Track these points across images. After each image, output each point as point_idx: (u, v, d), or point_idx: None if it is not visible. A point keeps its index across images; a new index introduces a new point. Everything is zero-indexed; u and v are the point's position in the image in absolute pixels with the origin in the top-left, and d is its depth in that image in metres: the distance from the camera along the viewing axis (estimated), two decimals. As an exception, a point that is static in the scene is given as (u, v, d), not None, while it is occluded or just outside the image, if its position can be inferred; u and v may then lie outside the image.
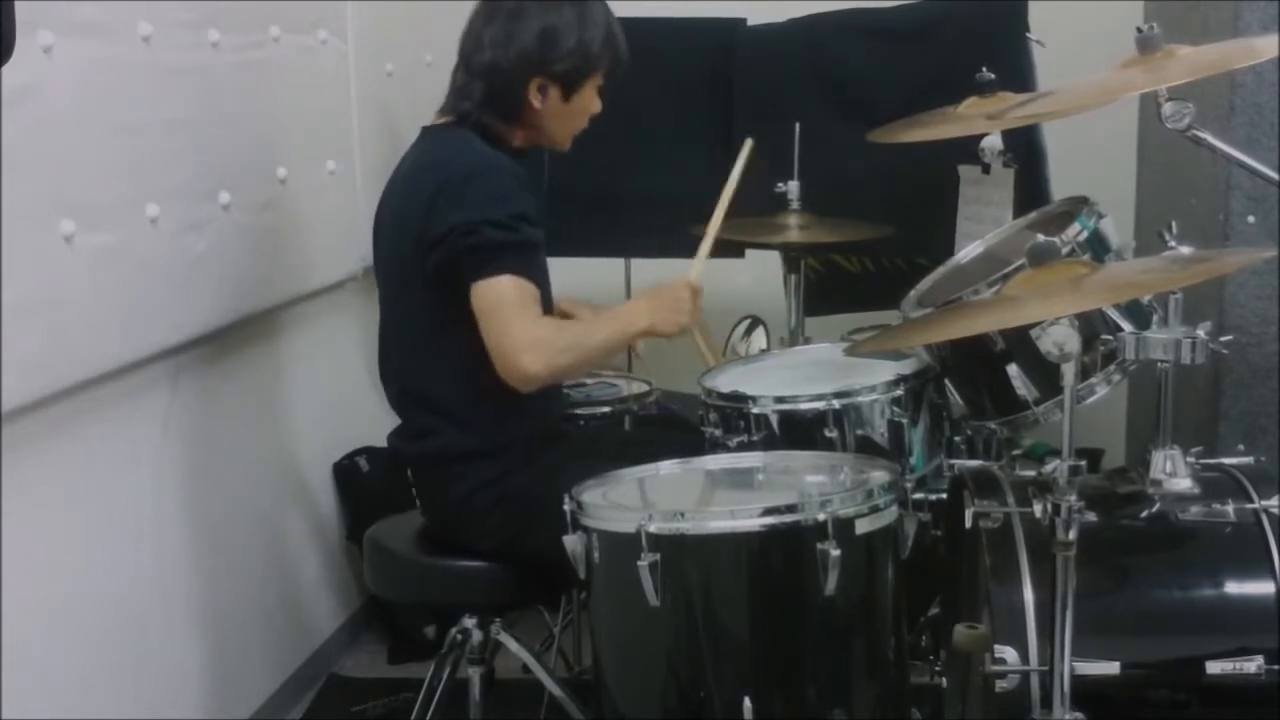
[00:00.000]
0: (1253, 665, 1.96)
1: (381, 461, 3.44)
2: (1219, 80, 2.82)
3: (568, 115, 2.45)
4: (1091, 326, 2.10)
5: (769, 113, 3.31)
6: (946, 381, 2.50)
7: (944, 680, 2.44)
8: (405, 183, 2.44)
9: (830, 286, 3.51)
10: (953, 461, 2.47)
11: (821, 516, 1.98)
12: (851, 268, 3.53)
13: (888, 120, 2.83)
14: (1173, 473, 2.10)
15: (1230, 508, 2.06)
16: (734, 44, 3.47)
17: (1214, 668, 1.96)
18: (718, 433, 2.49)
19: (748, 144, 2.73)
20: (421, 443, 2.43)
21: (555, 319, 2.40)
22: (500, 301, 2.27)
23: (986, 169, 3.01)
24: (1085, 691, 1.92)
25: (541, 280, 2.36)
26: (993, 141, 2.92)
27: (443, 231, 2.29)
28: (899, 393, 2.45)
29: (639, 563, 1.97)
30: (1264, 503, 2.06)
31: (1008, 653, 1.97)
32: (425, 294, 2.35)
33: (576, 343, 2.36)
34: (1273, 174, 2.25)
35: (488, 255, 2.27)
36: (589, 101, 2.46)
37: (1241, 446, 2.91)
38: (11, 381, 2.09)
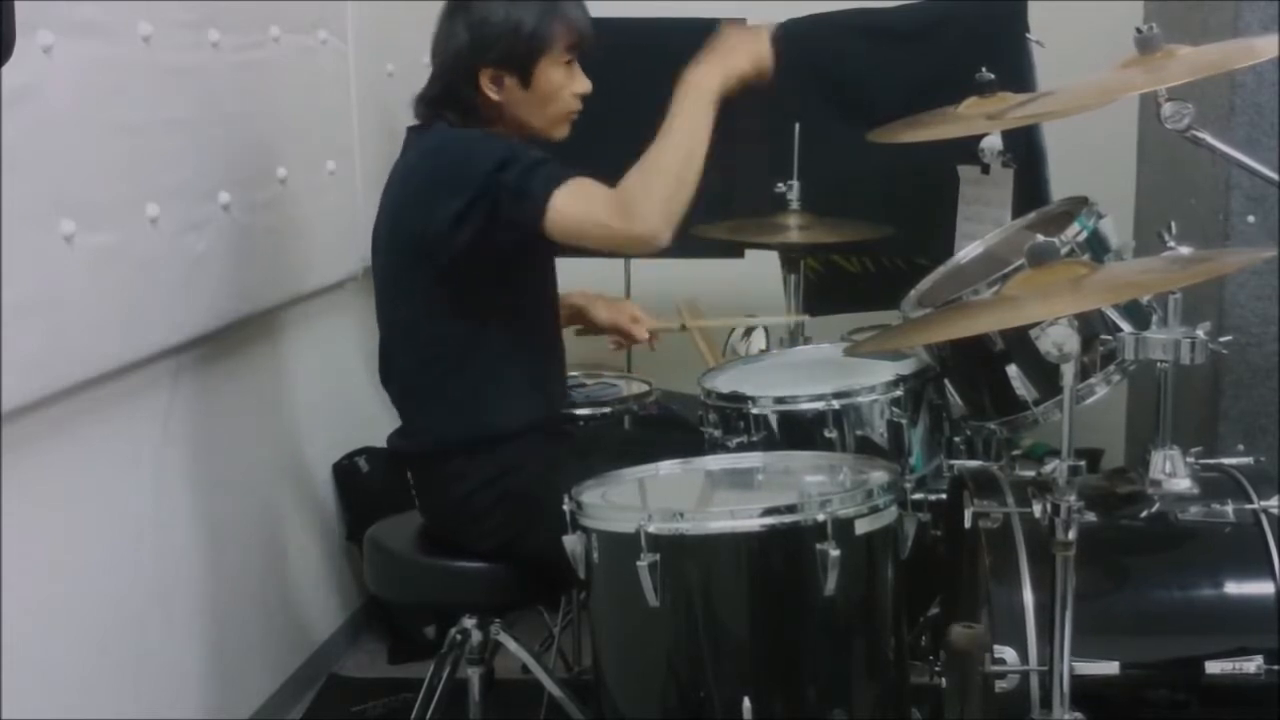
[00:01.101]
0: (1252, 665, 1.96)
1: (381, 461, 3.44)
2: (1219, 80, 2.82)
3: (536, 101, 2.39)
4: (1091, 327, 2.10)
5: (769, 113, 3.30)
6: (946, 381, 2.50)
7: (944, 680, 2.44)
8: (399, 184, 2.43)
9: (830, 286, 3.51)
10: (952, 461, 2.47)
11: (821, 517, 1.98)
12: (851, 268, 3.53)
13: (888, 120, 2.83)
14: (1172, 473, 2.10)
15: (1230, 508, 2.07)
16: (734, 44, 3.47)
17: (1214, 668, 1.97)
18: (717, 433, 2.49)
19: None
20: (420, 440, 2.43)
21: (608, 189, 2.23)
22: (576, 203, 2.19)
23: (986, 169, 3.01)
24: (1085, 691, 1.92)
25: (547, 270, 2.34)
26: (993, 141, 2.92)
27: (460, 208, 2.23)
28: (899, 393, 2.45)
29: (639, 563, 1.97)
30: (1263, 503, 2.06)
31: (1007, 653, 1.97)
32: (426, 294, 2.34)
33: (657, 165, 2.23)
34: (1273, 174, 2.25)
35: (525, 188, 2.20)
36: (560, 81, 2.39)
37: (1241, 446, 2.92)
38: (11, 381, 2.09)
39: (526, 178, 2.21)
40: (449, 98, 2.40)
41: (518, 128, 2.42)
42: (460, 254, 2.27)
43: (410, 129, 2.49)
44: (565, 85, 2.41)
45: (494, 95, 2.38)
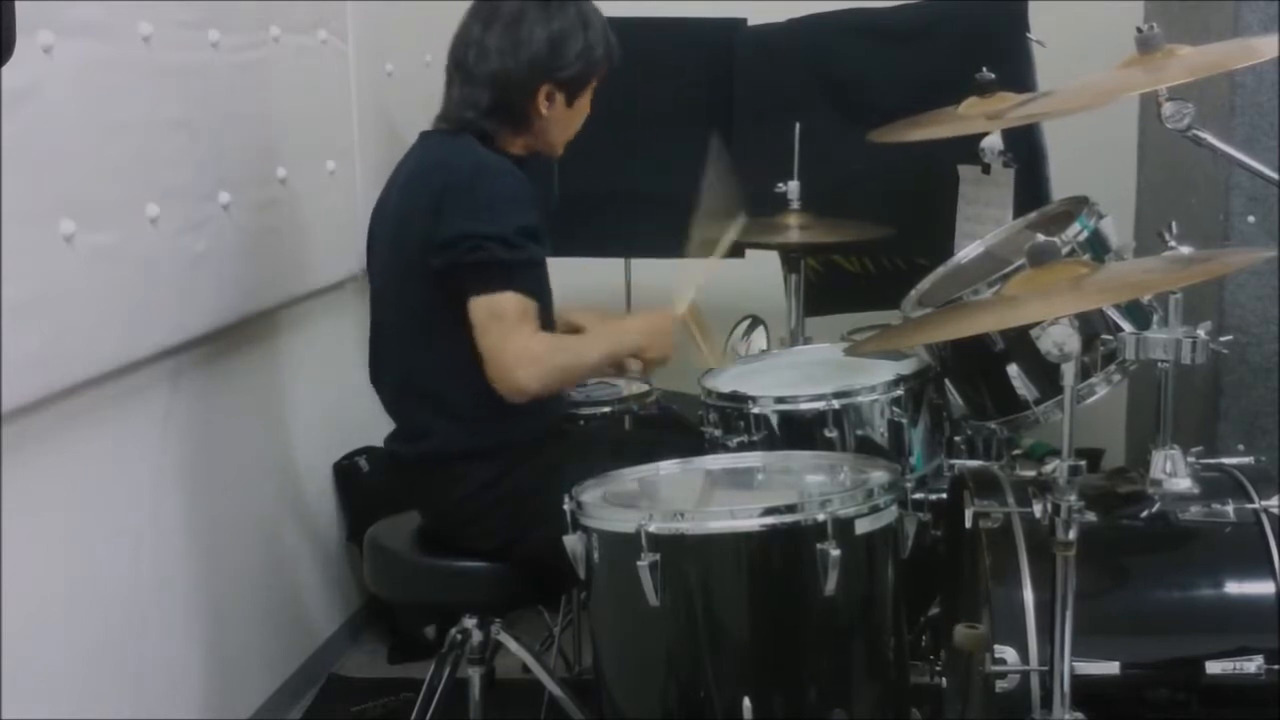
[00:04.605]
0: (1253, 665, 1.96)
1: (381, 461, 3.43)
2: (1219, 80, 2.82)
3: (569, 120, 2.46)
4: (1091, 326, 2.10)
5: (769, 113, 3.31)
6: (946, 381, 2.51)
7: (944, 680, 2.44)
8: (407, 185, 2.43)
9: (830, 286, 3.51)
10: (953, 461, 2.48)
11: (821, 516, 1.98)
12: (851, 268, 3.53)
13: (888, 120, 2.83)
14: (1173, 473, 2.11)
15: (1230, 508, 2.06)
16: (734, 44, 3.47)
17: (1214, 668, 1.97)
18: (718, 433, 2.50)
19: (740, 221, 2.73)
20: (421, 443, 2.43)
21: (551, 335, 2.38)
22: (500, 317, 2.27)
23: (986, 169, 3.01)
24: (1085, 691, 1.92)
25: (542, 295, 2.36)
26: (993, 141, 2.92)
27: (449, 238, 2.28)
28: (899, 393, 2.45)
29: (639, 563, 1.98)
30: (1264, 503, 2.06)
31: (1008, 653, 1.97)
32: (429, 294, 2.34)
33: (571, 360, 2.38)
34: (1273, 174, 2.25)
35: (491, 272, 2.27)
36: (586, 105, 2.47)
37: (1241, 446, 2.91)
38: (11, 381, 2.08)
39: (512, 264, 2.28)
40: (502, 104, 2.40)
41: (539, 141, 2.47)
42: (438, 270, 2.31)
43: (425, 134, 2.48)
44: (586, 108, 2.47)
45: (544, 110, 2.41)
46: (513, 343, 2.27)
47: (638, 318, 2.51)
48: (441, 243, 2.29)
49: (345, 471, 3.48)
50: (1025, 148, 3.07)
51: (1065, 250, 2.10)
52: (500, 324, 2.28)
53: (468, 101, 2.41)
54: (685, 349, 2.86)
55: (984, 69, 2.69)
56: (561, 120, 2.45)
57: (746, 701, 1.99)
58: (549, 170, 2.51)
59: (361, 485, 3.46)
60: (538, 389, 2.29)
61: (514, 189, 2.34)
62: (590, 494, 2.16)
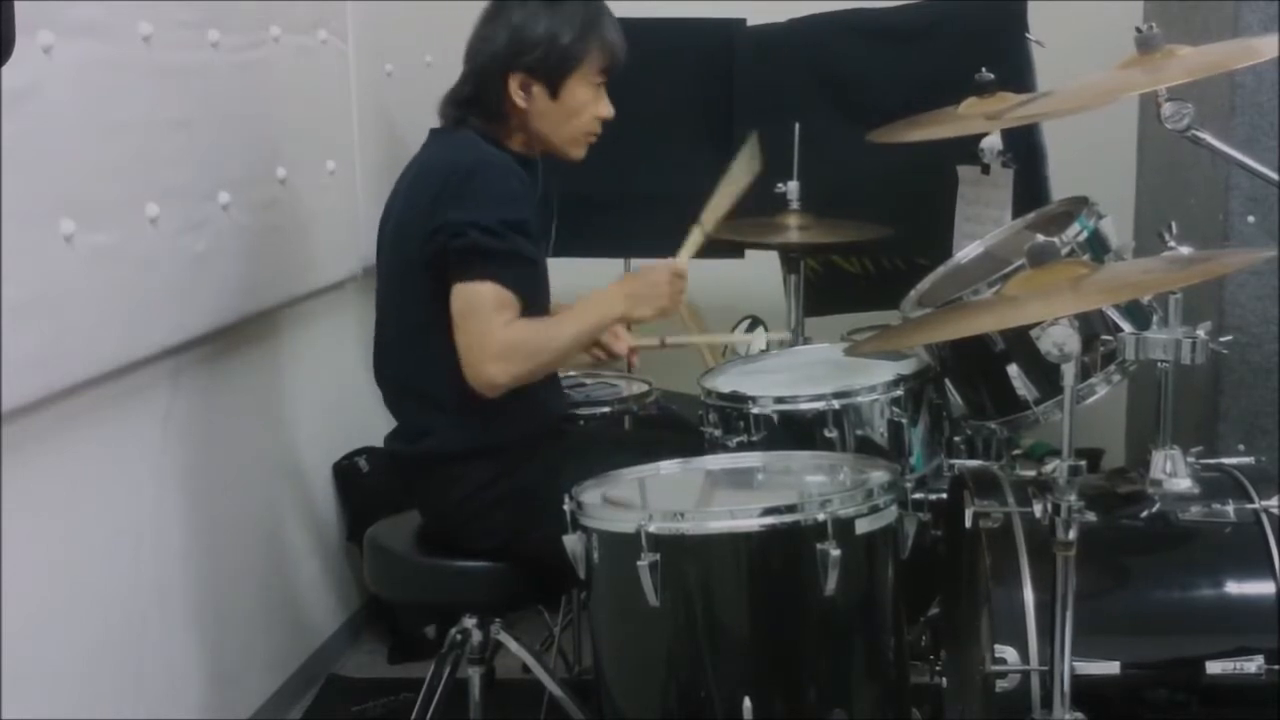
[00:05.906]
0: (1253, 665, 1.96)
1: (381, 461, 3.44)
2: (1219, 80, 2.82)
3: (561, 115, 2.42)
4: (1091, 326, 2.10)
5: (769, 113, 3.31)
6: (946, 381, 2.51)
7: (944, 680, 2.44)
8: (411, 184, 2.44)
9: (830, 286, 3.51)
10: (953, 461, 2.48)
11: (821, 516, 1.98)
12: (851, 268, 3.53)
13: (888, 120, 2.83)
14: (1173, 473, 2.11)
15: (1230, 508, 2.07)
16: (734, 44, 3.47)
17: (1214, 668, 1.97)
18: (718, 433, 2.50)
19: (752, 139, 2.67)
20: (421, 443, 2.43)
21: (524, 321, 2.32)
22: (476, 307, 2.27)
23: (986, 169, 3.01)
24: (1085, 691, 1.92)
25: (528, 291, 2.33)
26: (993, 141, 2.92)
27: (436, 225, 2.29)
28: (899, 393, 2.45)
29: (639, 563, 1.98)
30: (1264, 503, 2.06)
31: (1008, 652, 1.97)
32: (428, 292, 2.34)
33: (545, 344, 2.33)
34: (1273, 174, 2.25)
35: (472, 259, 2.27)
36: (585, 100, 2.42)
37: (1241, 446, 2.91)
38: (11, 381, 2.08)
39: (493, 253, 2.27)
40: (477, 100, 2.41)
41: (539, 141, 2.45)
42: (427, 261, 2.31)
43: (433, 131, 2.49)
44: (590, 105, 2.43)
45: (520, 102, 2.40)
46: (483, 335, 2.26)
47: (621, 281, 2.46)
48: (430, 230, 2.30)
49: (345, 471, 3.48)
50: (1025, 148, 3.07)
51: (1065, 250, 2.11)
52: (474, 314, 2.27)
53: (452, 94, 2.45)
54: (686, 348, 2.87)
55: (984, 69, 2.69)
56: (550, 115, 2.41)
57: (747, 702, 1.99)
58: (533, 177, 2.49)
59: (361, 485, 3.46)
60: (508, 381, 2.28)
61: (507, 184, 2.33)
62: (590, 494, 2.16)
